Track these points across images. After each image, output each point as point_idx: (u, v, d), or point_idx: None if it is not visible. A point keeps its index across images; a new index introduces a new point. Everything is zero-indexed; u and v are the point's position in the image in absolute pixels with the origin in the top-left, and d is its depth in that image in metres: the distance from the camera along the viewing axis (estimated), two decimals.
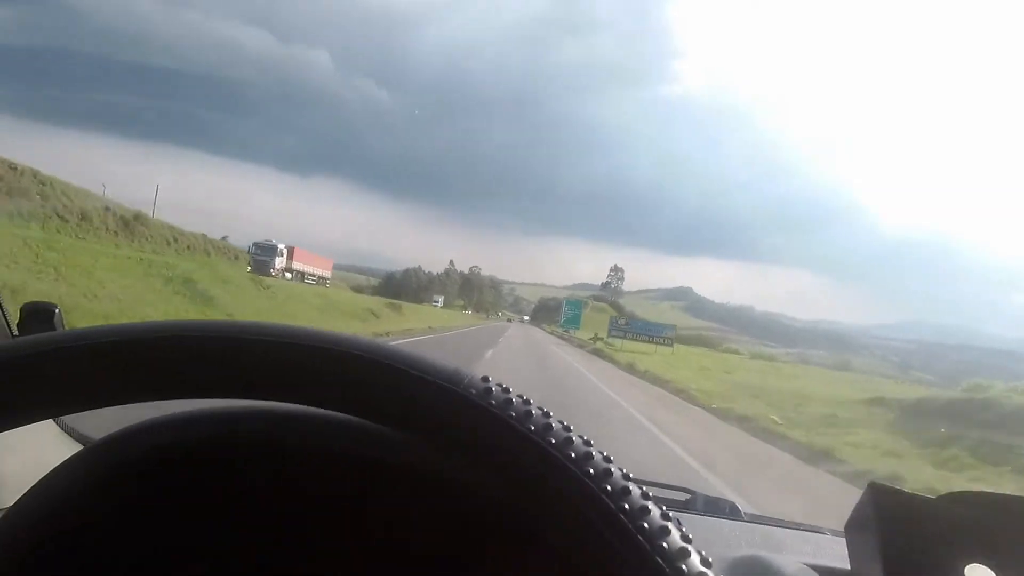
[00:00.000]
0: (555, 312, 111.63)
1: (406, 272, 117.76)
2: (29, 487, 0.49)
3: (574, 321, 56.55)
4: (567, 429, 0.39)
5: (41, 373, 0.38)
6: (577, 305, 62.19)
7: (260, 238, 42.62)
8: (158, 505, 0.50)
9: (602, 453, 0.38)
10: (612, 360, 26.27)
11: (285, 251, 44.17)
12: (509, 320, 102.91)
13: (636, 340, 36.76)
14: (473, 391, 0.39)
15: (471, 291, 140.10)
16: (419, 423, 0.40)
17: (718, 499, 1.28)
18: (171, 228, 24.11)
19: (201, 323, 0.40)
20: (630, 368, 21.81)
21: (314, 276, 49.36)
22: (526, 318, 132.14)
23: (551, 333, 58.94)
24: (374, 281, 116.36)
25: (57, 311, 0.85)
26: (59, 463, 0.49)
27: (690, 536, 0.35)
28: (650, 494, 0.36)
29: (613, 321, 42.71)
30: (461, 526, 0.48)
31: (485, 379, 0.40)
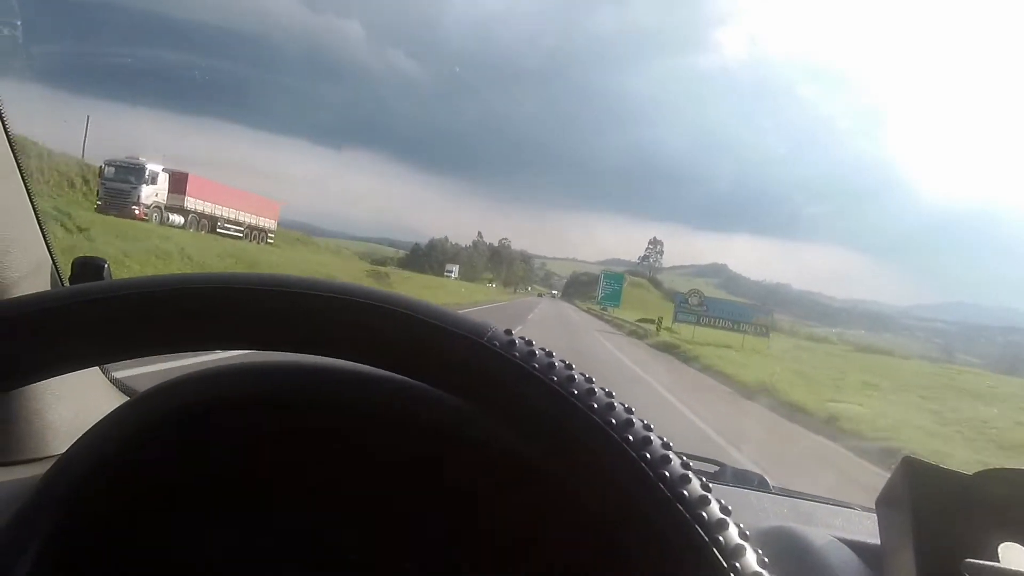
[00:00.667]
0: (588, 287, 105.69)
1: (431, 243, 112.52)
2: (78, 435, 0.51)
3: (613, 298, 49.36)
4: (590, 380, 0.39)
5: (90, 320, 0.39)
6: (617, 280, 53.30)
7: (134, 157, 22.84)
8: (207, 453, 0.51)
9: (643, 421, 0.38)
10: (713, 370, 14.34)
11: (164, 177, 23.80)
12: (540, 295, 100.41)
13: (713, 327, 26.67)
14: (496, 343, 0.39)
15: (500, 264, 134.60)
16: (443, 375, 0.40)
17: (747, 471, 1.29)
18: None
19: (245, 276, 0.41)
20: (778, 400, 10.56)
21: (238, 226, 28.90)
22: (556, 293, 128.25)
23: (587, 311, 52.84)
24: (401, 253, 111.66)
25: (106, 266, 0.85)
26: (107, 413, 0.51)
27: (729, 508, 0.35)
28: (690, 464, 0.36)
29: (680, 300, 29.33)
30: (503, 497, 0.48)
31: (508, 332, 0.41)
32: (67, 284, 0.83)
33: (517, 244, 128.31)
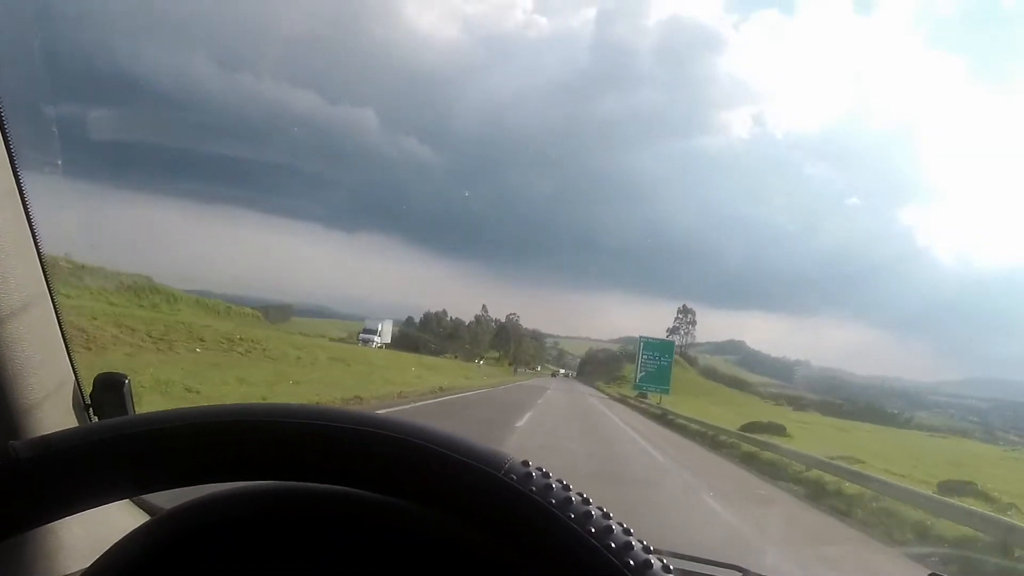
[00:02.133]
0: (608, 366, 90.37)
1: (426, 317, 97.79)
2: (95, 553, 0.53)
3: (659, 379, 33.48)
4: (607, 516, 0.40)
5: (125, 455, 0.41)
6: (664, 351, 36.01)
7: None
8: (220, 572, 0.53)
9: (642, 543, 0.39)
10: None
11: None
12: (553, 375, 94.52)
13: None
14: (514, 477, 0.40)
15: (507, 341, 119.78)
16: (459, 507, 0.41)
17: None
18: None
19: (247, 408, 0.43)
20: None
21: None
22: (569, 373, 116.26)
23: (620, 401, 37.31)
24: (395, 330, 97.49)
25: (127, 382, 0.90)
26: (126, 532, 0.53)
27: None
28: None
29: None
30: None
31: (526, 463, 0.42)
32: (88, 400, 0.88)
33: (529, 323, 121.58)
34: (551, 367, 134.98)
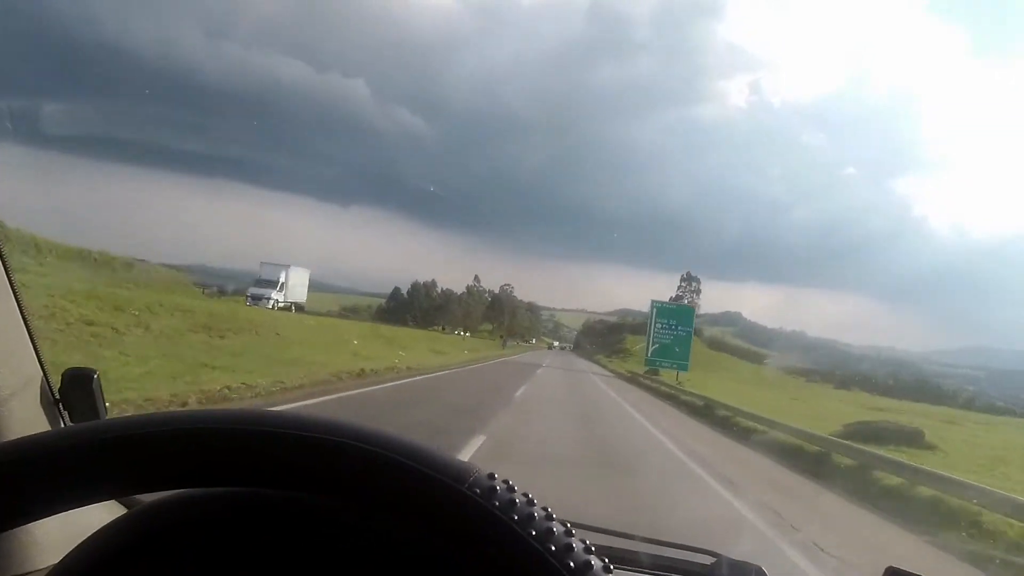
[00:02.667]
0: (608, 338, 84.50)
1: (414, 287, 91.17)
2: (68, 548, 0.53)
3: (677, 353, 27.09)
4: (569, 534, 0.40)
5: (96, 461, 0.41)
6: (682, 317, 29.56)
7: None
8: (190, 569, 0.53)
9: (603, 561, 0.40)
10: None
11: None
12: (549, 347, 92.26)
13: None
14: (478, 491, 0.40)
15: (500, 313, 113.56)
16: (419, 519, 0.42)
17: (744, 563, 1.17)
18: None
19: (222, 414, 0.44)
20: None
21: None
22: (562, 345, 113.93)
23: (629, 379, 31.21)
24: (379, 303, 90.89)
25: (95, 376, 0.88)
26: (100, 525, 0.53)
27: None
28: None
29: None
30: None
31: (491, 476, 0.42)
32: (57, 395, 0.87)
33: (524, 296, 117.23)
34: (547, 340, 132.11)
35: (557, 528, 0.40)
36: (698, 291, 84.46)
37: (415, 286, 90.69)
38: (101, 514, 0.53)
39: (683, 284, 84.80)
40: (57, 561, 0.53)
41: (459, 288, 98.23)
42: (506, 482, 0.42)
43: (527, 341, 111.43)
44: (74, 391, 0.86)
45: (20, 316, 0.78)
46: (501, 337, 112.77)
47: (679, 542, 1.24)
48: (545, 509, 0.41)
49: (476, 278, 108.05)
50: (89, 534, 0.53)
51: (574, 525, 0.42)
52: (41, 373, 0.83)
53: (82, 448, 0.42)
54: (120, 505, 0.83)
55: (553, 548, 0.39)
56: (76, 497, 0.43)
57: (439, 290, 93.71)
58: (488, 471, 0.42)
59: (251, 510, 0.53)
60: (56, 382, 0.86)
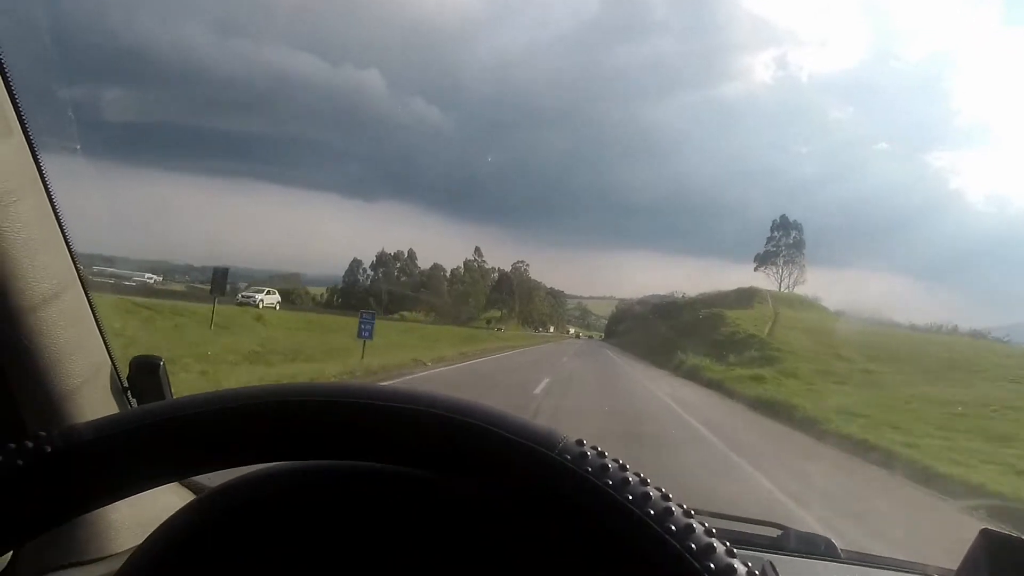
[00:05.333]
0: (651, 325, 61.53)
1: (381, 260, 68.61)
2: (143, 532, 0.53)
3: None
4: (666, 498, 0.38)
5: (159, 442, 0.41)
6: None
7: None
8: (266, 552, 0.53)
9: (704, 525, 0.37)
10: None
11: None
12: (578, 336, 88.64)
13: None
14: (569, 456, 0.39)
15: (509, 296, 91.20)
16: (509, 486, 0.40)
17: (812, 535, 1.15)
18: None
19: (309, 387, 0.43)
20: None
21: None
22: (591, 335, 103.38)
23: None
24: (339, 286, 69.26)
25: (161, 363, 0.92)
26: (172, 511, 0.53)
27: None
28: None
29: None
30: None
31: (580, 442, 0.40)
32: (126, 383, 0.90)
33: (549, 284, 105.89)
34: (574, 328, 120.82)
35: (654, 493, 0.38)
36: (800, 244, 56.04)
37: (382, 259, 67.99)
38: (172, 499, 0.53)
39: (775, 235, 57.38)
40: (129, 546, 0.56)
41: (447, 262, 76.12)
42: (595, 448, 0.40)
43: (538, 330, 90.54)
44: (141, 378, 0.91)
45: (89, 307, 0.81)
46: (530, 324, 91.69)
47: (746, 516, 1.24)
48: (638, 474, 0.39)
49: (477, 251, 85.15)
50: (159, 518, 0.53)
51: None
52: (110, 361, 0.86)
53: (159, 426, 0.41)
54: (188, 491, 0.87)
55: (652, 512, 0.37)
56: (154, 475, 0.43)
57: (420, 269, 70.81)
58: (576, 437, 0.40)
59: (329, 485, 0.52)
60: (123, 370, 0.89)
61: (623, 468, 0.39)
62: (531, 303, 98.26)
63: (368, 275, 65.88)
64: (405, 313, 54.41)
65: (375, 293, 59.50)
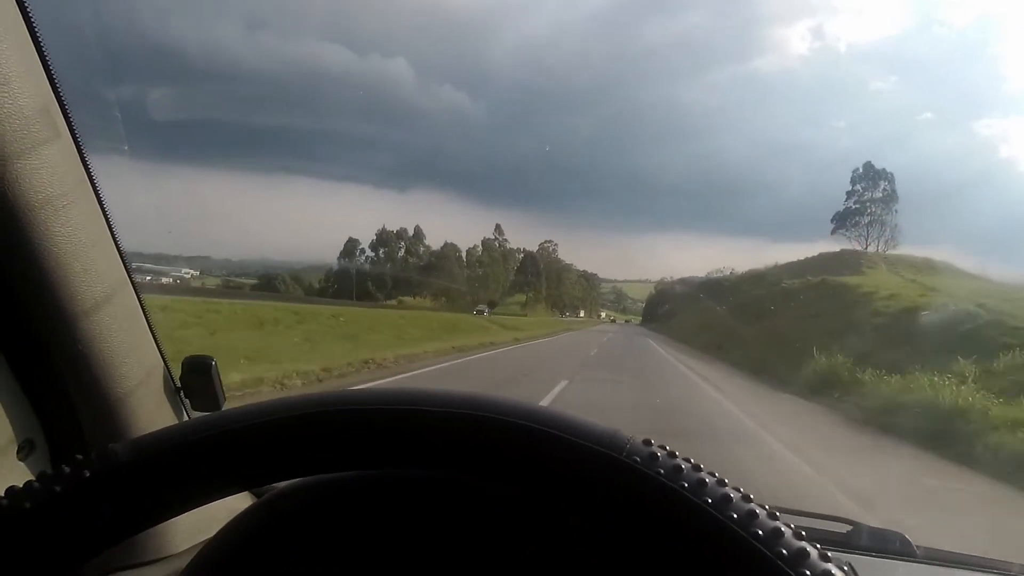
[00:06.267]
0: (705, 304, 51.65)
1: (383, 239, 60.22)
2: (203, 534, 0.55)
3: None
4: (747, 499, 0.35)
5: (227, 452, 0.41)
6: None
7: None
8: (328, 555, 0.53)
9: (791, 527, 0.35)
10: None
11: None
12: (613, 320, 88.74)
13: None
14: (638, 459, 0.37)
15: (535, 277, 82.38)
16: (579, 494, 0.38)
17: (885, 531, 1.09)
18: None
19: (374, 394, 0.41)
20: None
21: None
22: (627, 319, 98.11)
23: None
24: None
25: (213, 363, 0.93)
26: (233, 513, 0.54)
27: None
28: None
29: None
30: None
31: (648, 442, 0.38)
32: (178, 383, 0.91)
33: (582, 267, 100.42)
34: (608, 312, 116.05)
35: (734, 494, 0.35)
36: (891, 197, 42.82)
37: (383, 238, 59.38)
38: (233, 502, 0.54)
39: (857, 189, 44.25)
40: (188, 545, 0.58)
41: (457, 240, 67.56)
42: (664, 447, 0.38)
43: (567, 315, 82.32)
44: (193, 378, 0.91)
45: (141, 309, 0.82)
46: (558, 308, 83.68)
47: (814, 512, 1.19)
48: (714, 474, 0.37)
49: (498, 229, 76.33)
50: (218, 518, 0.54)
51: None
52: (162, 363, 0.88)
53: (218, 439, 0.41)
54: (251, 495, 0.87)
55: (735, 516, 0.34)
56: (214, 488, 0.42)
57: (426, 245, 61.39)
58: (643, 436, 0.38)
59: (385, 491, 0.52)
60: (175, 371, 0.91)
61: (697, 468, 0.36)
62: (560, 286, 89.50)
63: (368, 257, 57.75)
64: (407, 299, 46.36)
65: (375, 277, 51.47)
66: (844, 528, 1.07)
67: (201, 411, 0.93)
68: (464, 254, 66.31)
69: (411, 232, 61.39)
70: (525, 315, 59.67)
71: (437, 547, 0.51)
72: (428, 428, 0.40)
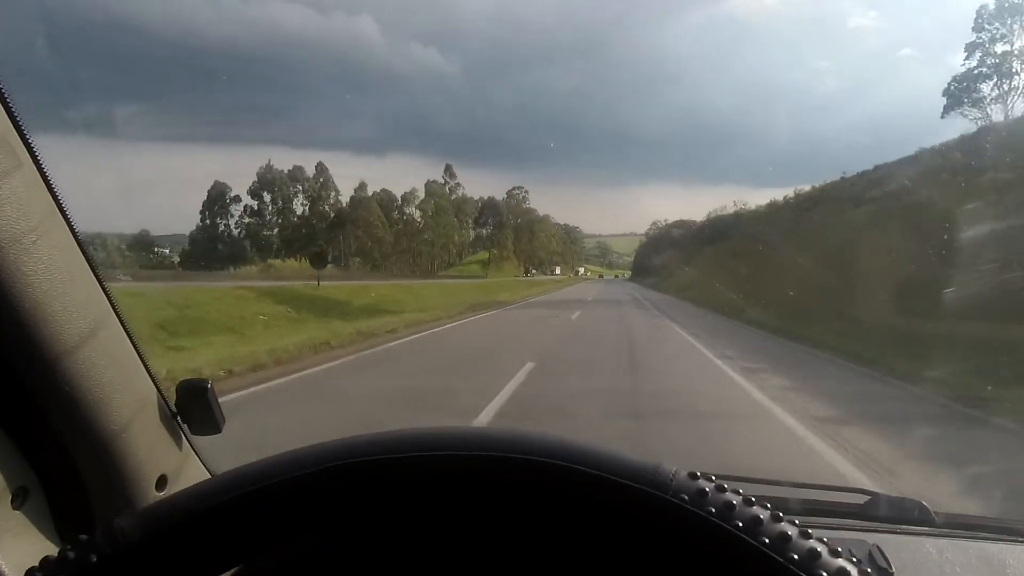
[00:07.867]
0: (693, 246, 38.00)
1: (267, 179, 45.27)
2: None
3: None
4: (806, 535, 0.32)
5: (248, 517, 0.37)
6: None
7: None
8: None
9: (857, 561, 0.32)
10: None
11: None
12: (601, 276, 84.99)
13: None
14: (685, 497, 0.33)
15: (502, 230, 68.39)
16: (624, 539, 0.34)
17: (903, 499, 1.06)
18: None
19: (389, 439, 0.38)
20: None
21: None
22: (617, 274, 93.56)
23: None
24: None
25: (209, 386, 0.89)
26: None
27: None
28: None
29: None
30: None
31: (694, 476, 0.34)
32: (174, 409, 0.86)
33: (571, 223, 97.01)
34: (592, 268, 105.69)
35: (791, 530, 0.32)
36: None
37: (265, 181, 43.79)
38: None
39: (981, 39, 25.43)
40: None
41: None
42: (711, 479, 0.34)
43: (546, 271, 69.25)
44: (190, 402, 0.88)
45: (128, 338, 0.80)
46: (534, 266, 70.37)
47: (833, 484, 1.19)
48: (766, 506, 0.33)
49: (448, 170, 61.32)
50: None
51: (718, 477, 0.35)
52: (156, 391, 0.85)
53: (241, 499, 0.37)
54: None
55: (795, 557, 0.31)
56: (228, 558, 0.39)
57: (337, 193, 45.50)
58: (688, 470, 0.35)
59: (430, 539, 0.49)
60: (170, 396, 0.88)
61: (748, 502, 0.33)
62: (534, 240, 75.77)
63: (248, 207, 42.62)
64: (274, 261, 32.41)
65: (254, 236, 37.07)
66: (862, 498, 1.04)
67: (200, 435, 0.88)
68: (399, 201, 51.78)
69: (311, 171, 47.11)
70: (485, 276, 46.58)
71: None
72: (451, 474, 0.36)
